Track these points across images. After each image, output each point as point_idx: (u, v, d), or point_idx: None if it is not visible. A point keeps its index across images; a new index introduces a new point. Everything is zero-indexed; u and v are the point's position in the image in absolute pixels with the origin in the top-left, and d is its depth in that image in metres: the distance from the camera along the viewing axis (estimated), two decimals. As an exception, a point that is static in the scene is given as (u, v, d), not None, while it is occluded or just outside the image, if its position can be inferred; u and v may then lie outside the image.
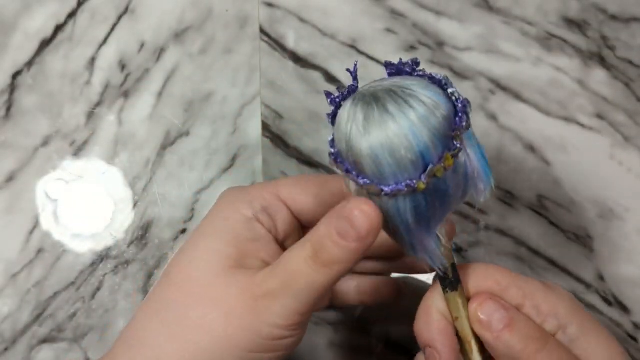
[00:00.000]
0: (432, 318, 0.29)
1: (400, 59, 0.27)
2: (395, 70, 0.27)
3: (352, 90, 0.26)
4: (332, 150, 0.26)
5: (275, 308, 0.27)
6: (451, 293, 0.28)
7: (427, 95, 0.25)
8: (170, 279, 0.30)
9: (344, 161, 0.25)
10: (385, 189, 0.25)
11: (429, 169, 0.24)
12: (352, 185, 0.26)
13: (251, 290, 0.28)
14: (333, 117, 0.26)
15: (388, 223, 0.26)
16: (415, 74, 0.26)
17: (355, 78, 0.27)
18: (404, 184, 0.25)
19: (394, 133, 0.24)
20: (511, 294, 0.29)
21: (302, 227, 0.33)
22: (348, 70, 0.27)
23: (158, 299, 0.30)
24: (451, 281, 0.28)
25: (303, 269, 0.27)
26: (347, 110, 0.25)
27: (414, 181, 0.25)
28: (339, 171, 0.26)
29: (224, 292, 0.28)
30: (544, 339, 0.27)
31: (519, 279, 0.29)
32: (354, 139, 0.24)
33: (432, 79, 0.26)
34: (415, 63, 0.26)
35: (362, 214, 0.25)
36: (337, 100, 0.26)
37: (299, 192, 0.31)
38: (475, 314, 0.28)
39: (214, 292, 0.28)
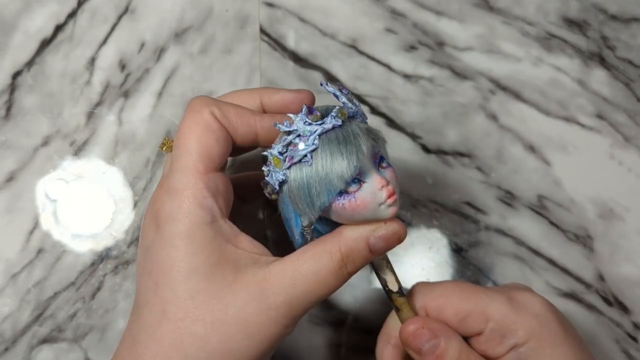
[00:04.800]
0: (384, 344, 0.34)
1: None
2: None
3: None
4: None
5: (295, 313, 0.29)
6: (400, 299, 0.32)
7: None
8: (173, 316, 0.28)
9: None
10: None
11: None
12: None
13: (267, 302, 0.28)
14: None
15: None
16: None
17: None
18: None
19: None
20: (472, 321, 0.31)
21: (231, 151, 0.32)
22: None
23: (171, 337, 0.28)
24: (399, 293, 0.32)
25: (328, 279, 0.29)
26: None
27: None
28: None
29: (241, 311, 0.28)
30: None
31: (482, 302, 0.31)
32: None
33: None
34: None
35: (398, 239, 0.29)
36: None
37: (204, 151, 0.30)
38: (409, 339, 0.31)
39: (230, 315, 0.28)
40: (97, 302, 0.41)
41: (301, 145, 0.28)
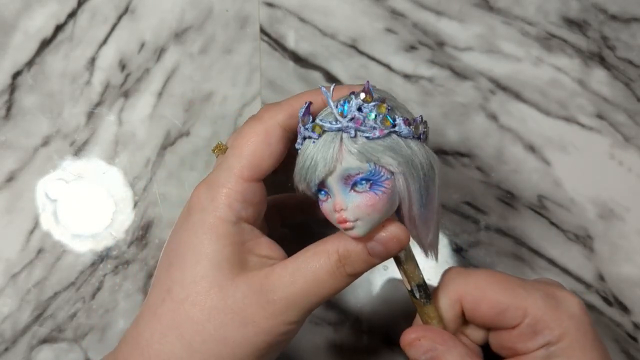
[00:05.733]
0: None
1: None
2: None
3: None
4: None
5: (294, 311, 0.29)
6: (413, 299, 0.31)
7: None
8: (175, 296, 0.30)
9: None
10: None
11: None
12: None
13: (265, 296, 0.29)
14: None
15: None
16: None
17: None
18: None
19: None
20: (509, 315, 0.30)
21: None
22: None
23: (170, 316, 0.30)
24: (423, 295, 0.31)
25: (326, 279, 0.29)
26: None
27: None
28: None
29: (239, 302, 0.29)
30: None
31: (520, 296, 0.30)
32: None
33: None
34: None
35: (398, 243, 0.29)
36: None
37: (254, 161, 0.31)
38: (406, 347, 0.31)
39: (228, 303, 0.29)
40: (97, 302, 0.41)
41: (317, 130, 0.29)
